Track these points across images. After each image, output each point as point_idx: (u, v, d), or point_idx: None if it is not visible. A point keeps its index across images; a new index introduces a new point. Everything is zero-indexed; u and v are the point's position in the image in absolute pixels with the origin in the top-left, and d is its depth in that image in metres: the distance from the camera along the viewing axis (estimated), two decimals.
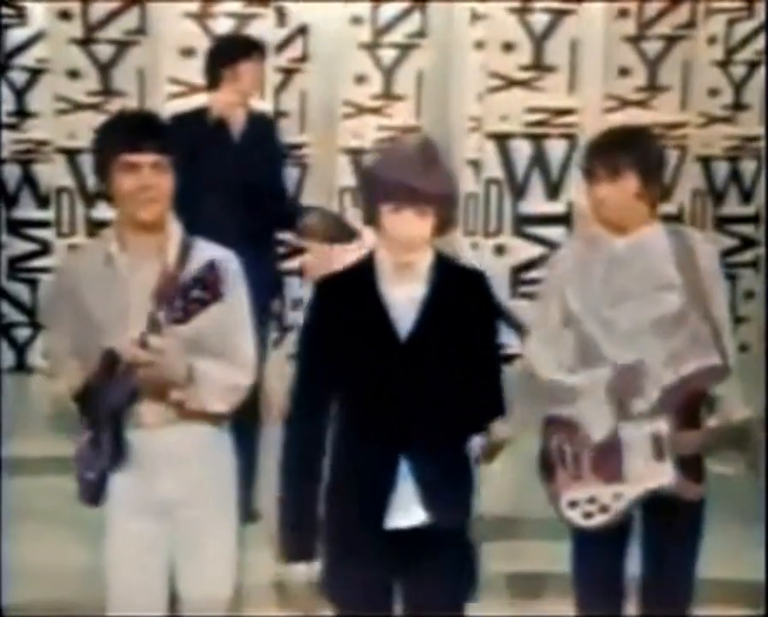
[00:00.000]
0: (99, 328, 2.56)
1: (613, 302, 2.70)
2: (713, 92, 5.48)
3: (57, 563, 3.67)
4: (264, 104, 5.07)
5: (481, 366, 2.37)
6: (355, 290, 2.36)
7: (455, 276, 2.40)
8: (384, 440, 2.34)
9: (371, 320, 2.34)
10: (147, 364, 2.49)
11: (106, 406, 2.57)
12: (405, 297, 2.32)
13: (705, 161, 5.57)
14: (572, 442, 2.68)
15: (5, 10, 5.67)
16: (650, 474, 2.65)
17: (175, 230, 2.66)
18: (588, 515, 2.66)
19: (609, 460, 2.66)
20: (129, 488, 2.62)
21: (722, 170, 5.56)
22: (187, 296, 2.37)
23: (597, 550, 2.76)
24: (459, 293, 2.35)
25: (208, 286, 2.36)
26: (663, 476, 2.65)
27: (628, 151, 2.68)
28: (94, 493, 2.63)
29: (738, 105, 5.49)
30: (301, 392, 2.43)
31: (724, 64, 5.48)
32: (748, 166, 5.55)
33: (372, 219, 2.33)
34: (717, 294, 2.74)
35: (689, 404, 2.67)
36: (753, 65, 5.45)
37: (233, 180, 4.06)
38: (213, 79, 4.30)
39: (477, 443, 2.31)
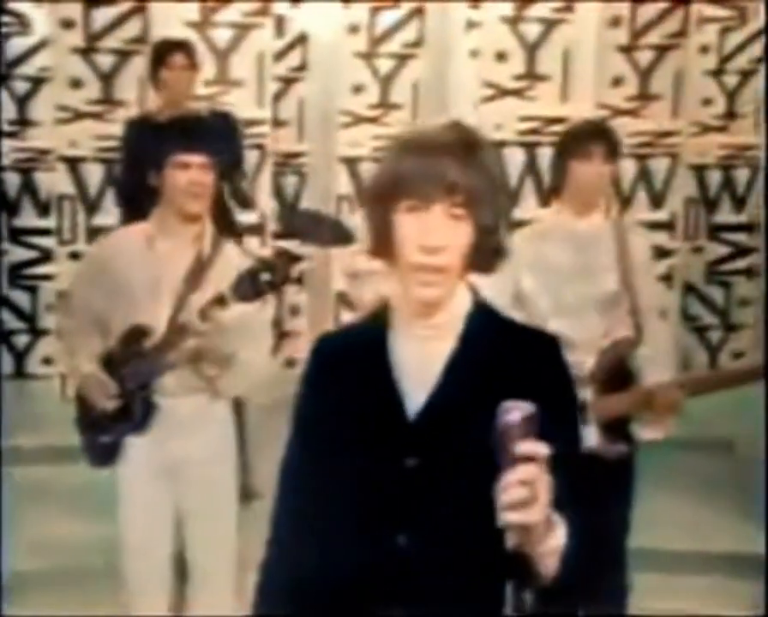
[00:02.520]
0: (130, 304, 2.96)
1: (565, 279, 3.15)
2: (706, 102, 5.76)
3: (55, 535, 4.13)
4: (260, 114, 5.42)
5: (584, 530, 1.58)
6: (359, 350, 1.72)
7: (508, 336, 1.68)
8: (372, 584, 1.64)
9: (375, 391, 1.67)
10: (203, 335, 2.85)
11: (138, 376, 2.96)
12: (423, 357, 1.66)
13: (699, 170, 5.84)
14: None
15: (6, 19, 5.99)
16: None
17: (209, 224, 3.07)
18: None
19: None
20: (143, 451, 3.01)
21: (715, 178, 5.86)
22: (255, 278, 2.73)
23: None
24: (514, 360, 1.63)
25: (277, 270, 2.73)
26: (587, 439, 3.03)
27: (614, 138, 3.19)
28: (109, 455, 3.03)
29: (731, 114, 5.77)
30: (292, 485, 1.77)
31: (717, 73, 5.76)
32: (742, 175, 5.82)
33: (383, 242, 1.65)
34: (645, 281, 3.21)
35: (610, 371, 3.13)
36: (745, 74, 5.72)
37: (158, 157, 4.29)
38: (153, 83, 4.64)
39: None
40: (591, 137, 3.16)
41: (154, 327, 2.97)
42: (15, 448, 4.70)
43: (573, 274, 3.17)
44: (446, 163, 1.57)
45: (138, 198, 4.33)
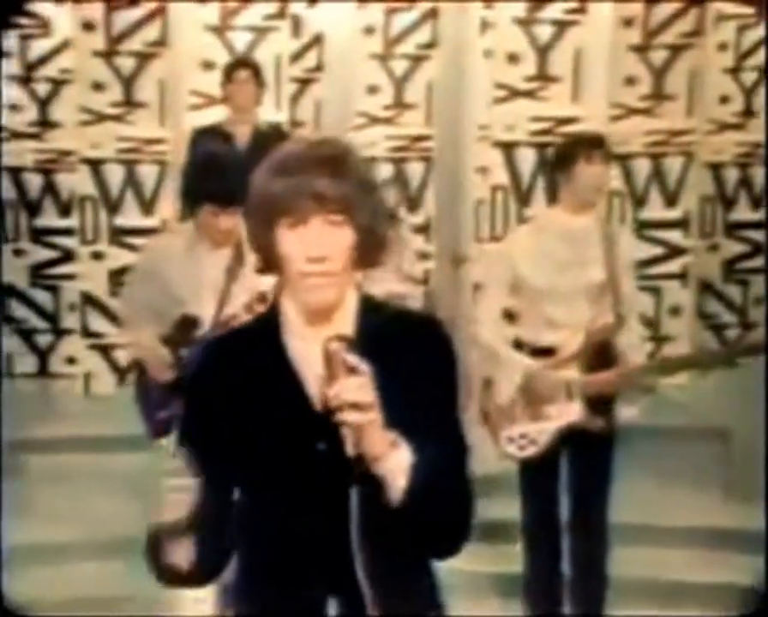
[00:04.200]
0: (178, 299, 3.61)
1: (559, 268, 3.73)
2: (724, 99, 6.17)
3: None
4: (278, 116, 5.92)
5: (435, 458, 1.81)
6: (254, 347, 1.93)
7: (394, 325, 1.92)
8: (301, 573, 1.89)
9: (280, 388, 1.89)
10: None
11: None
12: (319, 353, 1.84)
13: (715, 168, 6.25)
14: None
15: (29, 21, 6.44)
16: (564, 412, 3.71)
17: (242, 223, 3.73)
18: (521, 448, 3.73)
19: (534, 403, 3.72)
20: None
21: (732, 176, 6.26)
22: None
23: (536, 491, 3.85)
24: (399, 348, 1.88)
25: None
26: (573, 413, 3.71)
27: (608, 146, 3.81)
28: (163, 429, 3.64)
29: (749, 112, 6.16)
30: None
31: (735, 71, 6.16)
32: (759, 172, 6.18)
33: (270, 258, 1.88)
34: (629, 275, 3.82)
35: (595, 353, 3.71)
36: (763, 71, 6.03)
37: (239, 189, 5.02)
38: (223, 97, 5.48)
39: None
40: (592, 143, 3.75)
41: (202, 319, 3.61)
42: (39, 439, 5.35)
43: (565, 265, 3.75)
44: (314, 178, 1.79)
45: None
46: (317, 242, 1.81)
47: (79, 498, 4.95)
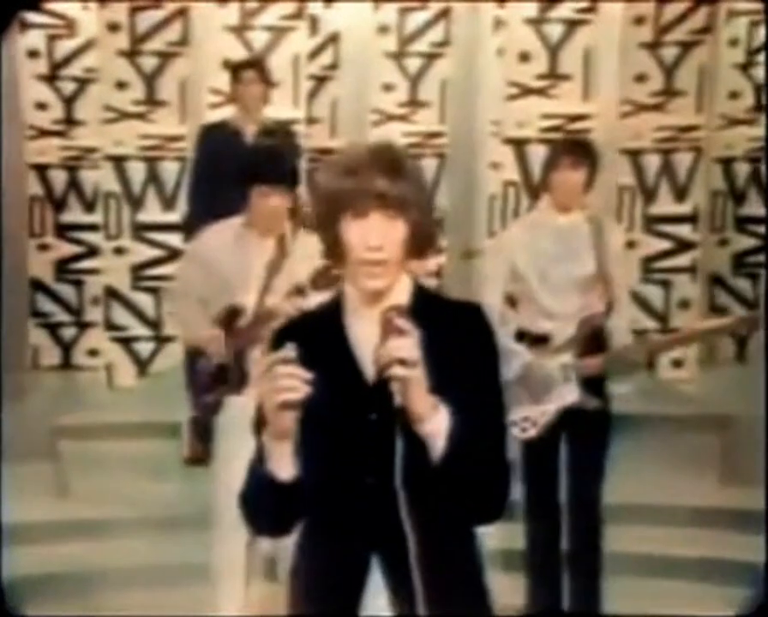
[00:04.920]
0: (224, 289, 3.89)
1: (550, 262, 4.04)
2: (734, 95, 6.36)
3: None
4: (295, 113, 6.18)
5: (474, 428, 2.05)
6: (318, 330, 2.23)
7: (442, 310, 2.23)
8: (347, 527, 2.16)
9: (338, 363, 2.17)
10: (288, 316, 3.62)
11: (233, 348, 3.87)
12: (376, 334, 2.06)
13: (726, 162, 6.45)
14: None
15: (55, 21, 6.76)
16: (561, 394, 4.00)
17: (287, 223, 3.95)
18: (523, 430, 4.01)
19: (536, 386, 4.00)
20: (239, 411, 3.72)
21: (743, 171, 6.43)
22: (328, 272, 3.50)
23: (537, 473, 4.12)
24: (446, 330, 2.15)
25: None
26: (571, 394, 4.00)
27: (591, 151, 4.10)
28: (209, 411, 3.97)
29: (759, 107, 6.31)
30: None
31: (745, 66, 6.34)
32: None
33: (334, 248, 2.19)
34: (618, 265, 4.10)
35: (588, 338, 4.01)
36: None
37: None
38: (231, 96, 5.72)
39: None
40: (567, 152, 4.03)
41: (246, 308, 3.89)
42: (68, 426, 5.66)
43: (555, 259, 4.05)
44: (376, 179, 2.11)
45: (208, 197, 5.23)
46: (376, 233, 2.13)
47: (107, 480, 5.28)
